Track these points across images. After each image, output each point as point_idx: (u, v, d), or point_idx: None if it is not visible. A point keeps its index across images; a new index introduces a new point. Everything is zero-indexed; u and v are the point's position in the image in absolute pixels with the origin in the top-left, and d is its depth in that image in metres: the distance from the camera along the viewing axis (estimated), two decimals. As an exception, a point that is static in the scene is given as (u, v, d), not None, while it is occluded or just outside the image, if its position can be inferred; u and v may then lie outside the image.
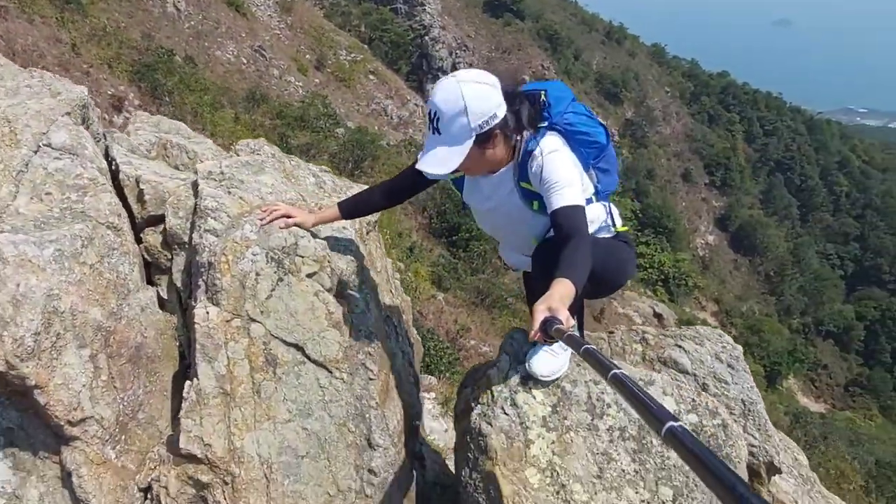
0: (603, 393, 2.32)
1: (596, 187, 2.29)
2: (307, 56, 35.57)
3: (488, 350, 13.93)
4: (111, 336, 2.18)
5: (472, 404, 2.33)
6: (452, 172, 2.06)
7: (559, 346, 2.31)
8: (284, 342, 2.23)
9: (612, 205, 2.37)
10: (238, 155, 3.00)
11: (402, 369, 2.68)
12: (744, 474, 2.31)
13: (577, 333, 1.50)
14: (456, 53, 45.65)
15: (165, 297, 2.50)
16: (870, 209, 55.72)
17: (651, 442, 2.25)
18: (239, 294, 2.23)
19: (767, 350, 39.02)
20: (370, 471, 2.26)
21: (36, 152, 2.40)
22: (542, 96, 2.12)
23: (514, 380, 2.29)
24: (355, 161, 24.46)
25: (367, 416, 2.30)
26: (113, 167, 2.66)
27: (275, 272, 2.28)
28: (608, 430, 2.25)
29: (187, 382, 2.16)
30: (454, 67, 45.23)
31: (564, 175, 1.99)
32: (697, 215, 51.27)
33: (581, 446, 2.20)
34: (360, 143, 24.88)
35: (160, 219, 2.59)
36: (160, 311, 2.44)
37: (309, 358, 2.24)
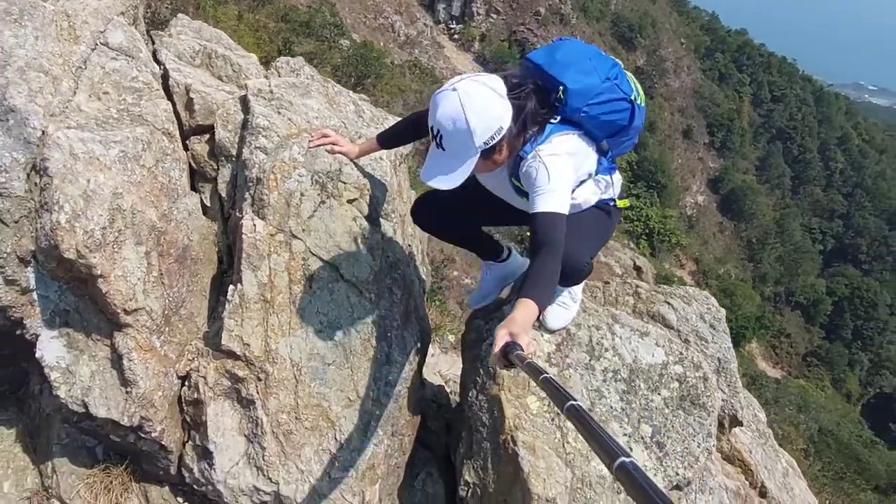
0: (602, 338, 2.57)
1: (599, 162, 2.21)
2: (318, -46, 34.03)
3: (470, 282, 14.29)
4: (162, 236, 2.35)
5: (485, 335, 2.57)
6: None
7: (569, 298, 2.53)
8: (322, 260, 2.42)
9: (613, 176, 2.30)
10: (279, 73, 3.08)
11: (418, 295, 2.90)
12: (714, 424, 2.61)
13: (535, 361, 1.49)
14: (473, -25, 43.87)
15: (209, 204, 2.65)
16: (860, 188, 56.29)
17: (640, 385, 2.52)
18: (284, 211, 2.39)
19: (736, 314, 40.21)
20: (387, 383, 2.51)
21: (93, 50, 2.49)
22: (560, 93, 2.02)
23: (526, 318, 2.52)
24: (358, 77, 23.97)
25: (390, 335, 2.53)
26: (162, 72, 2.74)
27: (318, 194, 2.44)
28: (603, 370, 2.51)
29: (231, 286, 2.36)
30: (469, -10, 43.55)
31: (552, 180, 1.93)
32: (692, 174, 51.41)
33: (578, 382, 2.47)
34: (366, 58, 24.31)
35: (206, 129, 2.70)
36: (203, 217, 2.60)
37: (342, 277, 2.44)
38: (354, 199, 2.49)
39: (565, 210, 1.94)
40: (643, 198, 45.55)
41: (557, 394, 1.24)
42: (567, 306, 2.52)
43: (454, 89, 1.85)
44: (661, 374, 2.55)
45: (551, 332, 2.52)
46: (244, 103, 2.65)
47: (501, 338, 1.62)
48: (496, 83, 1.91)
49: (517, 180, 2.09)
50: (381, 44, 33.12)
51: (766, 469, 3.57)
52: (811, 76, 64.19)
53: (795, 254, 51.16)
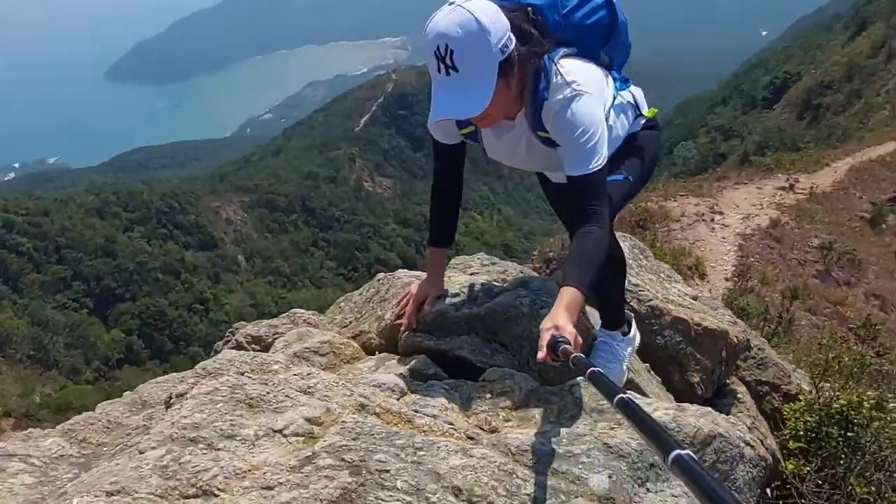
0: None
1: (613, 76, 2.02)
2: None
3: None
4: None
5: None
6: (467, 123, 1.89)
7: (617, 364, 2.30)
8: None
9: (632, 91, 2.09)
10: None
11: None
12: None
13: (582, 356, 1.43)
14: None
15: None
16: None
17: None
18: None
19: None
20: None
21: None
22: (530, 13, 1.81)
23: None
24: None
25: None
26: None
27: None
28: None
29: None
30: None
31: (584, 127, 1.73)
32: None
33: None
34: None
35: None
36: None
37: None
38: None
39: (605, 160, 1.76)
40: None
41: (606, 388, 1.21)
42: (612, 367, 2.24)
43: (450, 3, 1.65)
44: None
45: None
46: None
47: (547, 332, 1.52)
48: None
49: (544, 131, 1.83)
50: None
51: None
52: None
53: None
